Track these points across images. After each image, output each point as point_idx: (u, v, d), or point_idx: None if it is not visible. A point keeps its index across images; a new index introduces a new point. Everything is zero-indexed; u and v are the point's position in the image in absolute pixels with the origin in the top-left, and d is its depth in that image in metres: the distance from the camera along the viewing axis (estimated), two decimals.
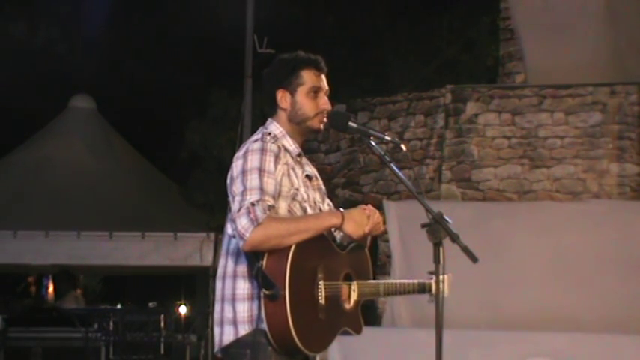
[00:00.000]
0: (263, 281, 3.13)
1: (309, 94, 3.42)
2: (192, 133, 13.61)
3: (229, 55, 12.98)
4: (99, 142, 12.51)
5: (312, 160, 3.58)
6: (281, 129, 3.42)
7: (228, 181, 3.31)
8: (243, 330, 3.24)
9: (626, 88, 9.65)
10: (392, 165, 3.35)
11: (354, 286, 3.36)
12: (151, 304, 13.19)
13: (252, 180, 3.22)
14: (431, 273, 3.23)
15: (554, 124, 9.70)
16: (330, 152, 11.04)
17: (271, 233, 3.13)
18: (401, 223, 8.88)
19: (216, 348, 3.34)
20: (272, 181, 3.25)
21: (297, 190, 3.36)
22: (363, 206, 3.37)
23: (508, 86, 10.57)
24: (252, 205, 3.16)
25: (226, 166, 3.43)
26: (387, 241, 9.22)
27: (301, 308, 3.12)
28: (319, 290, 3.20)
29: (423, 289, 3.45)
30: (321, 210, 3.47)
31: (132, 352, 10.37)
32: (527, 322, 8.28)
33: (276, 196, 3.26)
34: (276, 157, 3.29)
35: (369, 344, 7.69)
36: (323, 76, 3.47)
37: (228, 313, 3.28)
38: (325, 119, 3.44)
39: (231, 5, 12.21)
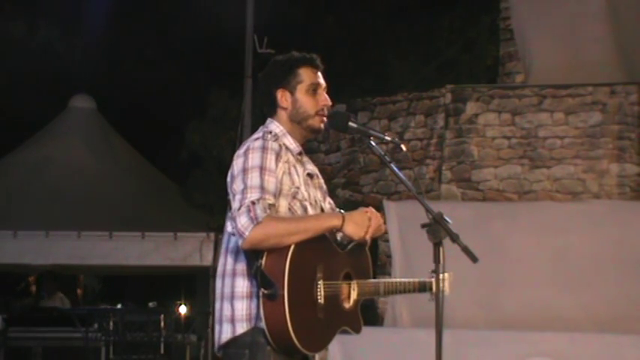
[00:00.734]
0: (262, 280, 3.12)
1: (309, 92, 3.42)
2: (192, 133, 13.62)
3: (229, 55, 13.00)
4: (99, 142, 12.51)
5: (312, 160, 3.57)
6: (282, 128, 3.42)
7: (228, 178, 3.30)
8: (241, 328, 3.23)
9: (626, 88, 9.64)
10: (392, 165, 3.35)
11: (354, 285, 3.35)
12: (150, 304, 13.20)
13: (253, 178, 3.21)
14: (433, 272, 3.22)
15: (554, 124, 9.70)
16: (330, 152, 11.03)
17: (271, 232, 3.12)
18: (401, 223, 8.88)
19: (216, 346, 3.34)
20: (273, 179, 3.24)
21: (298, 188, 3.35)
22: (364, 208, 3.37)
23: (508, 86, 10.55)
24: (253, 203, 3.15)
25: (226, 166, 3.42)
26: (387, 241, 9.21)
27: (300, 308, 3.11)
28: (318, 290, 3.19)
29: (423, 287, 3.45)
30: (322, 208, 3.47)
31: (132, 352, 10.38)
32: (527, 322, 8.29)
33: (277, 194, 3.25)
34: (277, 155, 3.29)
35: (370, 344, 7.70)
36: (320, 73, 3.47)
37: (226, 311, 3.27)
38: (325, 117, 3.43)
39: (231, 5, 12.21)
